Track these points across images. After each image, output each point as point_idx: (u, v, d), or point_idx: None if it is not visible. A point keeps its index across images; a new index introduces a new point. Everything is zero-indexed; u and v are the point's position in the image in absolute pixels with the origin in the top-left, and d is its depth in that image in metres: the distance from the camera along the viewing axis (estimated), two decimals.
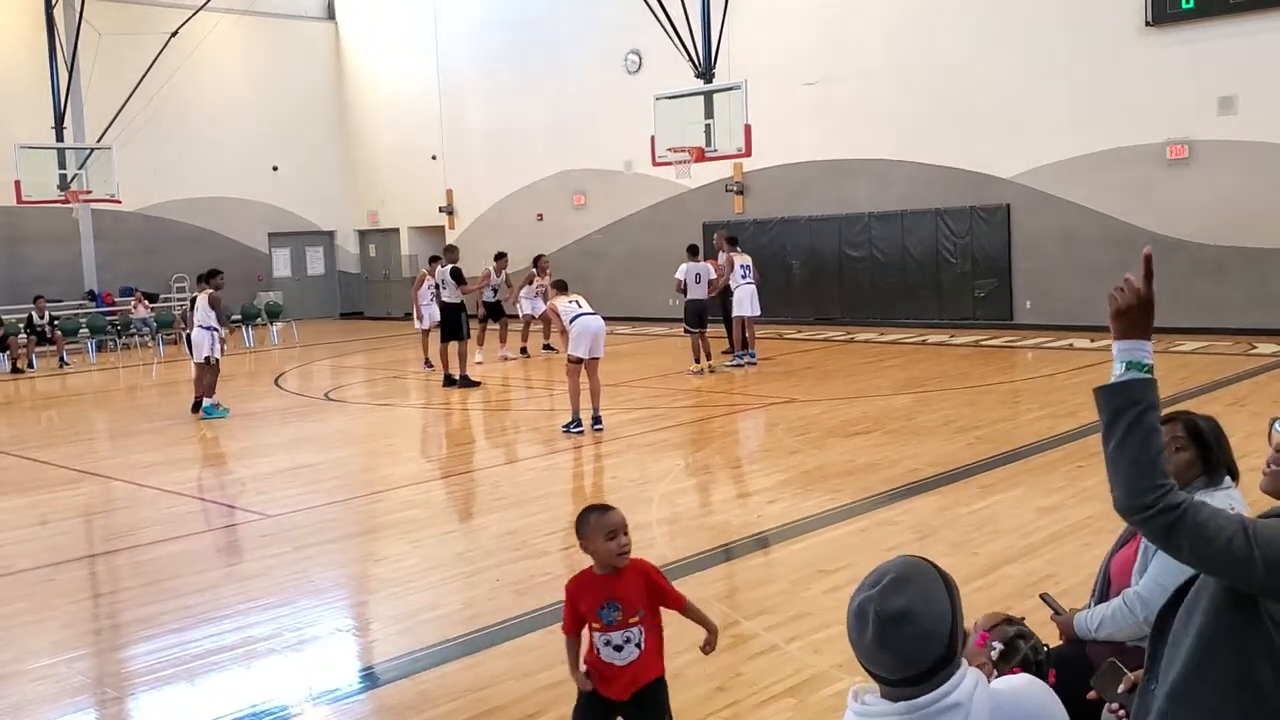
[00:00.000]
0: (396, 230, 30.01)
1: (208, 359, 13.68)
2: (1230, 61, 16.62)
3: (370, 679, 5.46)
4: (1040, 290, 18.97)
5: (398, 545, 7.74)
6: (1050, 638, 3.72)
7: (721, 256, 16.36)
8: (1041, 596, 3.81)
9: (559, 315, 11.48)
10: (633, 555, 3.84)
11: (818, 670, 5.05)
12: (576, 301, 11.58)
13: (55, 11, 23.08)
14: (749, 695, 4.77)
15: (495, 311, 18.59)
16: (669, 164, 17.27)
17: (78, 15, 22.73)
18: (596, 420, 11.49)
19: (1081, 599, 3.82)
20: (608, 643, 3.78)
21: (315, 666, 5.62)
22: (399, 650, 5.70)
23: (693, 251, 16.69)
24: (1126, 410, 2.19)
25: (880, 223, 20.68)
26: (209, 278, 14.27)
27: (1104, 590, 3.56)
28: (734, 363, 16.01)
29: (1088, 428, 10.45)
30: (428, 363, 17.68)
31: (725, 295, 16.29)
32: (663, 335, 21.04)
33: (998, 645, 3.21)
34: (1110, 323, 2.28)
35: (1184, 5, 16.90)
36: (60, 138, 22.96)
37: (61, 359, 21.21)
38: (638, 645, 3.77)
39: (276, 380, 17.58)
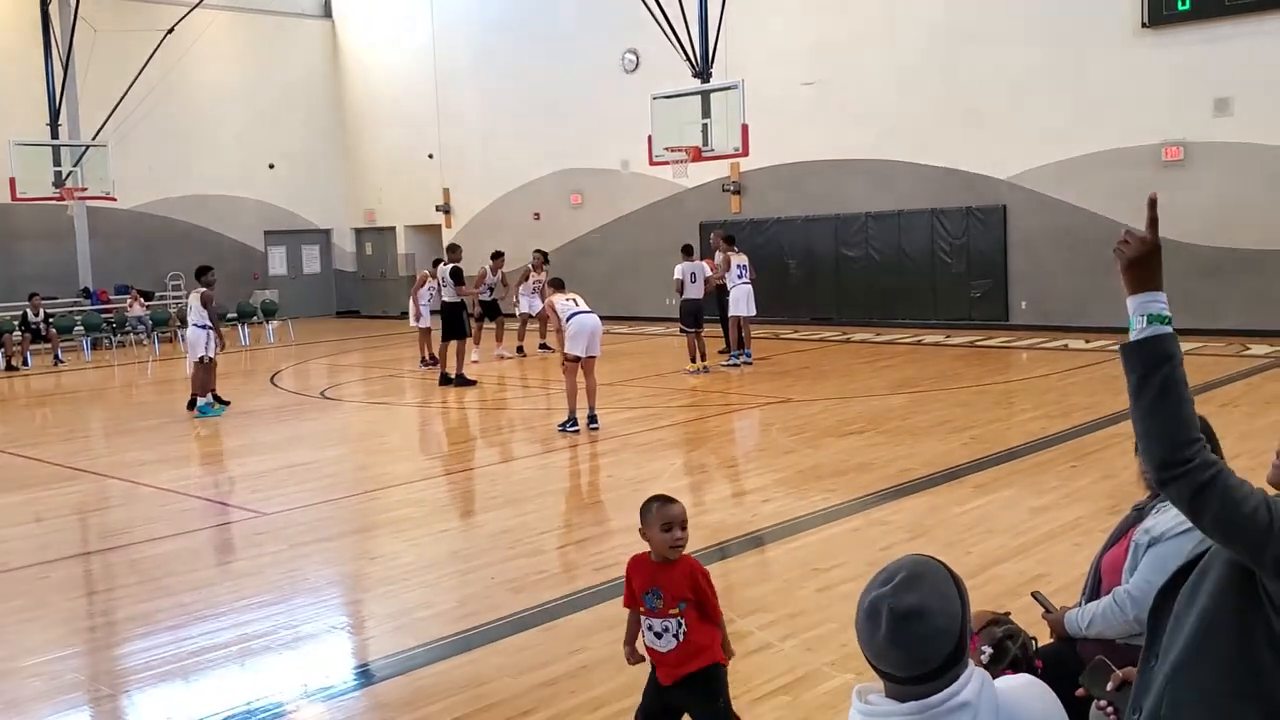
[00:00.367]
0: (393, 229, 30.00)
1: (201, 358, 13.68)
2: (1226, 63, 16.66)
3: (365, 676, 5.47)
4: (1036, 291, 19.01)
5: (392, 543, 7.75)
6: (1041, 636, 3.74)
7: (718, 256, 16.38)
8: (1033, 595, 3.83)
9: (556, 312, 11.50)
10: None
11: (811, 668, 5.07)
12: (574, 300, 11.59)
13: (51, 8, 23.08)
14: (743, 693, 4.78)
15: (492, 310, 18.60)
16: (666, 163, 17.28)
17: (73, 12, 22.72)
18: (592, 419, 11.50)
19: (1073, 598, 3.84)
20: (650, 628, 3.92)
21: (310, 664, 5.63)
22: (394, 648, 5.71)
23: (687, 251, 16.72)
24: (1158, 366, 2.15)
25: (876, 223, 20.70)
26: (199, 275, 14.28)
27: (1094, 589, 3.58)
28: (730, 362, 16.03)
29: (1081, 428, 10.49)
30: (424, 361, 17.70)
31: (721, 295, 16.31)
32: (659, 335, 21.06)
33: (987, 649, 3.23)
34: (1122, 277, 2.22)
35: (1180, 7, 16.93)
36: (55, 135, 22.96)
37: (56, 356, 21.20)
38: (675, 636, 3.86)
39: (272, 378, 17.58)
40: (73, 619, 6.47)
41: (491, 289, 18.54)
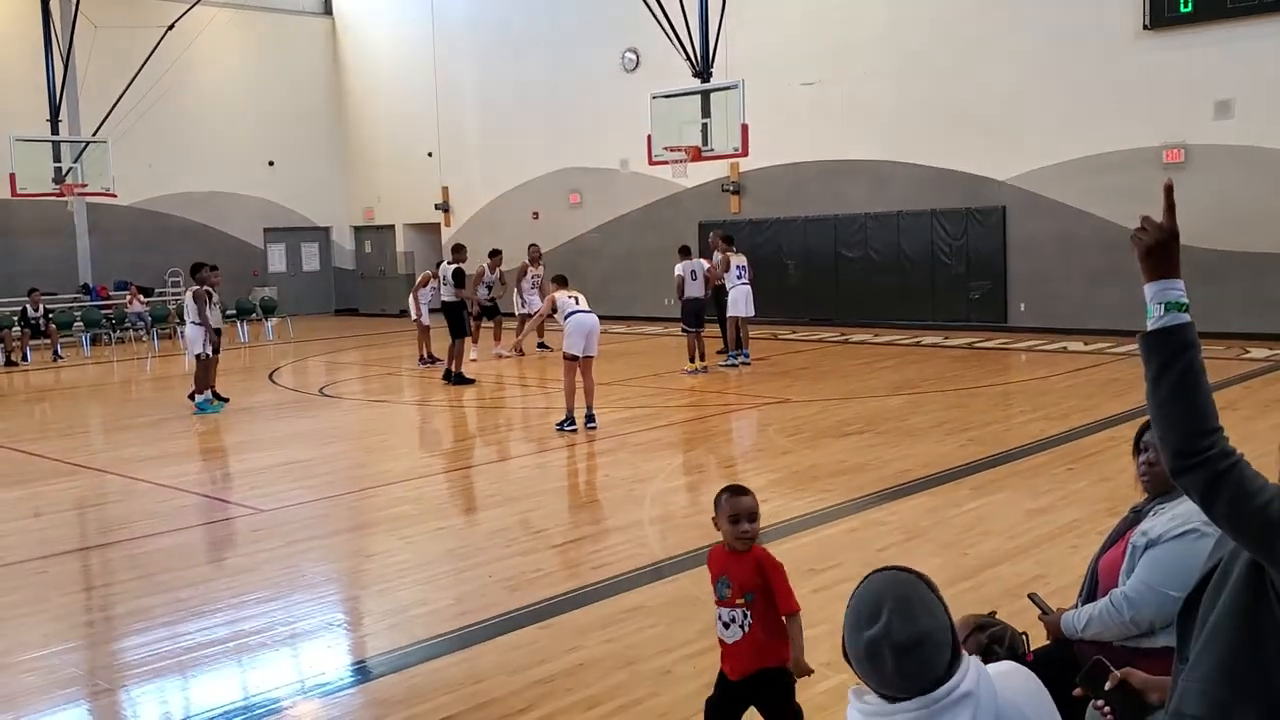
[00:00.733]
0: (392, 227, 29.99)
1: (199, 355, 13.69)
2: (1227, 65, 16.67)
3: (361, 673, 5.47)
4: (1035, 293, 19.02)
5: (389, 541, 7.74)
6: (1038, 638, 3.75)
7: (717, 256, 16.37)
8: (1030, 597, 3.83)
9: (556, 307, 11.50)
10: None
11: None
12: (575, 298, 11.59)
13: (51, 4, 23.06)
14: None
15: (491, 310, 18.60)
16: (665, 163, 17.28)
17: (74, 8, 22.71)
18: (590, 419, 11.50)
19: (1069, 599, 3.84)
20: (719, 617, 3.95)
21: (306, 660, 5.64)
22: (390, 645, 5.72)
23: (684, 252, 16.72)
24: (1177, 355, 2.12)
25: (876, 224, 20.71)
26: (193, 273, 14.29)
27: (1091, 590, 3.58)
28: (728, 363, 16.03)
29: (1079, 430, 10.50)
30: (422, 359, 17.71)
31: (720, 295, 16.32)
32: (657, 334, 21.06)
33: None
34: (1140, 265, 2.21)
35: (1182, 9, 16.94)
36: (56, 131, 22.94)
37: (55, 352, 21.21)
38: (741, 627, 3.89)
39: (271, 375, 17.58)
40: (70, 614, 6.48)
41: (490, 287, 18.54)
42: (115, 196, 23.20)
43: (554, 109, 25.25)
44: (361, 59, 29.89)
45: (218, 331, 14.37)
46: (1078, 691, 2.75)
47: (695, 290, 15.74)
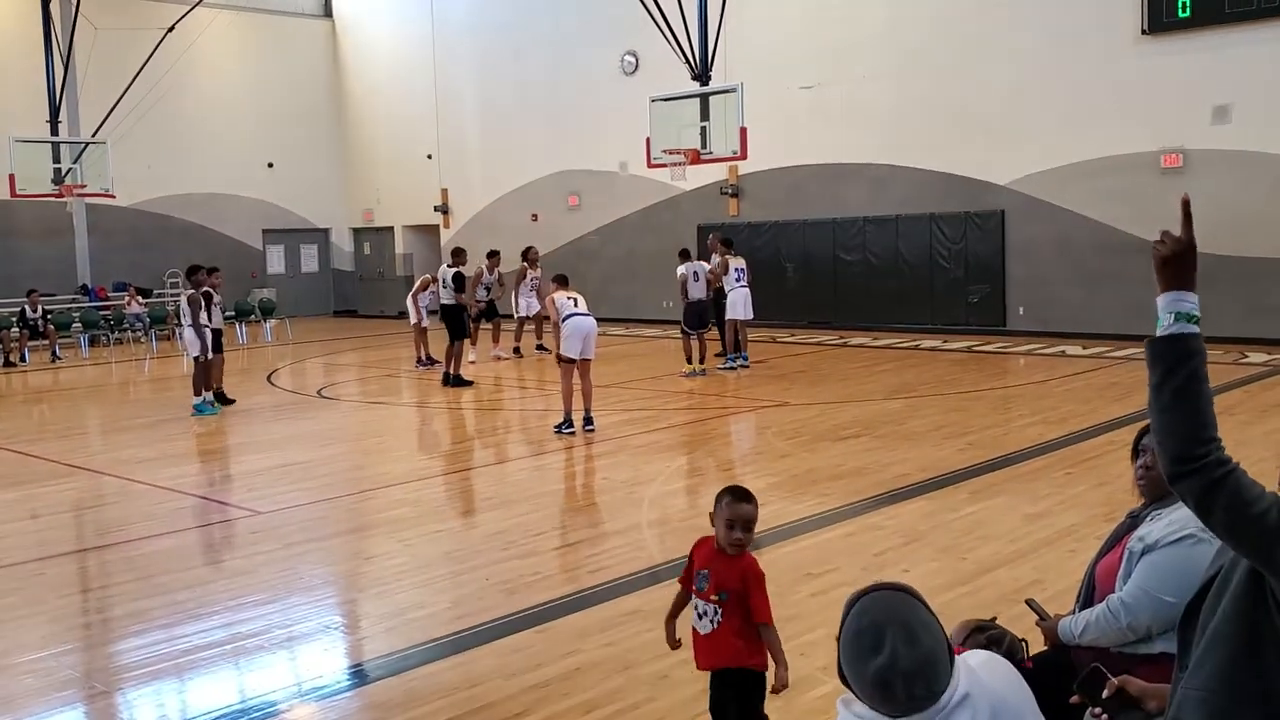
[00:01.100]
0: (391, 229, 30.00)
1: (197, 358, 13.69)
2: (1225, 71, 16.68)
3: (358, 676, 5.47)
4: (1033, 297, 19.02)
5: (387, 544, 7.74)
6: (1035, 643, 3.74)
7: (715, 258, 16.37)
8: (1027, 602, 3.83)
9: (555, 308, 11.50)
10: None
11: (804, 673, 5.06)
12: (574, 299, 11.57)
13: (51, 6, 23.06)
14: None
15: (489, 311, 18.59)
16: (664, 166, 17.29)
17: (74, 9, 22.71)
18: (588, 421, 11.50)
19: (1067, 605, 3.84)
20: (695, 606, 4.03)
21: (303, 663, 5.63)
22: (387, 648, 5.71)
23: (684, 255, 16.71)
24: (1181, 364, 2.16)
25: (875, 227, 20.71)
26: (189, 275, 14.29)
27: (1088, 596, 3.58)
28: (726, 365, 16.04)
29: (1077, 435, 10.50)
30: (420, 361, 17.70)
31: (719, 298, 16.32)
32: (656, 337, 21.06)
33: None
34: (1156, 275, 2.24)
35: (1180, 14, 16.95)
36: (55, 132, 22.94)
37: (54, 353, 21.20)
38: (713, 622, 3.94)
39: (269, 377, 17.57)
40: (68, 616, 6.47)
41: (489, 289, 18.53)
42: (114, 197, 23.21)
43: (553, 111, 25.27)
44: (361, 61, 29.90)
45: (219, 331, 14.39)
46: (1075, 699, 2.75)
47: (698, 292, 15.74)
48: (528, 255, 19.34)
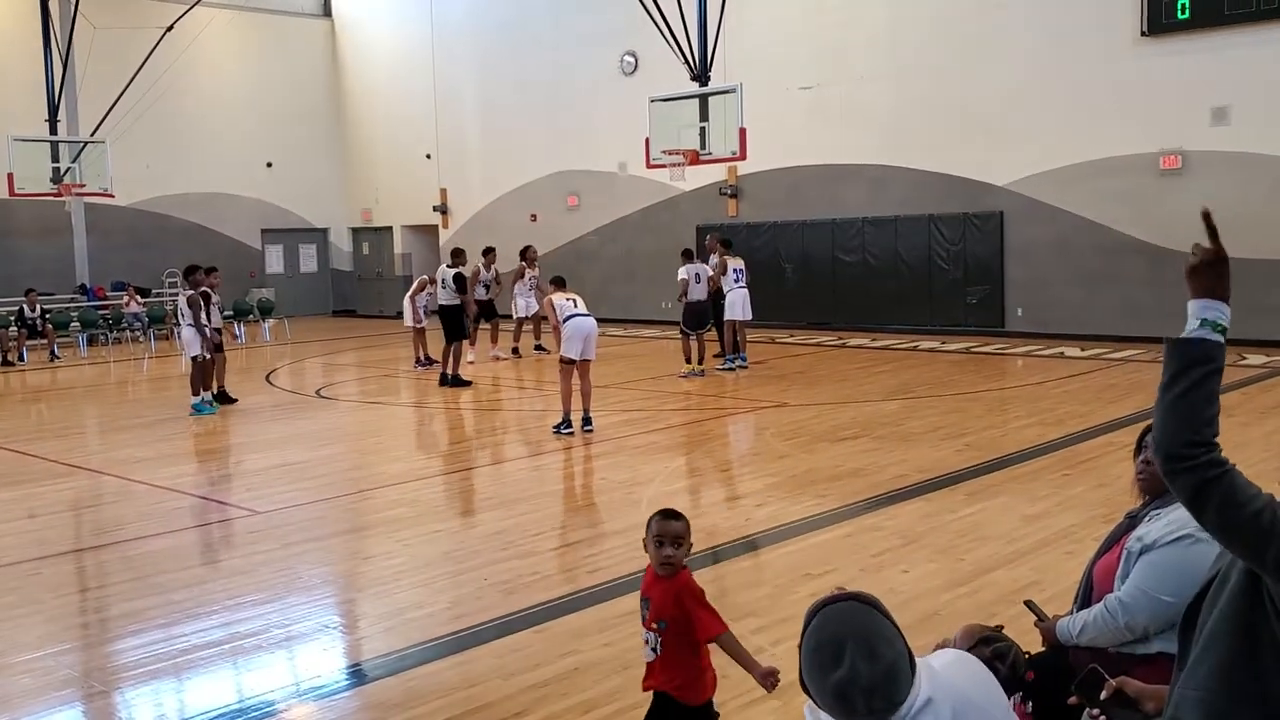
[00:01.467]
0: (390, 229, 29.99)
1: (195, 358, 13.69)
2: (1224, 72, 16.69)
3: (357, 676, 5.47)
4: (1032, 298, 19.03)
5: (385, 543, 7.74)
6: (1033, 644, 3.75)
7: (713, 259, 16.37)
8: (1026, 603, 3.83)
9: (554, 310, 11.50)
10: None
11: None
12: (573, 300, 11.57)
13: (50, 4, 23.05)
14: (733, 697, 4.78)
15: (488, 312, 18.58)
16: (663, 166, 17.28)
17: (73, 8, 22.70)
18: (587, 421, 11.50)
19: (1065, 606, 3.85)
20: (642, 632, 3.96)
21: (302, 663, 5.63)
22: (385, 648, 5.71)
23: (687, 255, 16.72)
24: (1197, 366, 2.17)
25: (874, 228, 20.72)
26: (186, 275, 14.28)
27: (1087, 596, 3.59)
28: (725, 366, 16.04)
29: (1075, 436, 10.51)
30: (419, 361, 17.70)
31: (717, 299, 16.32)
32: (655, 337, 21.06)
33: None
34: (1186, 283, 2.26)
35: (1179, 16, 16.96)
36: (54, 131, 22.92)
37: (52, 352, 21.19)
38: (654, 649, 3.87)
39: (268, 377, 17.57)
40: (65, 616, 6.47)
41: (488, 286, 18.53)
42: (113, 197, 23.19)
43: (552, 111, 25.27)
44: (360, 61, 29.90)
45: (218, 331, 14.39)
46: (1073, 700, 2.76)
47: (698, 293, 15.74)
48: (526, 254, 19.36)
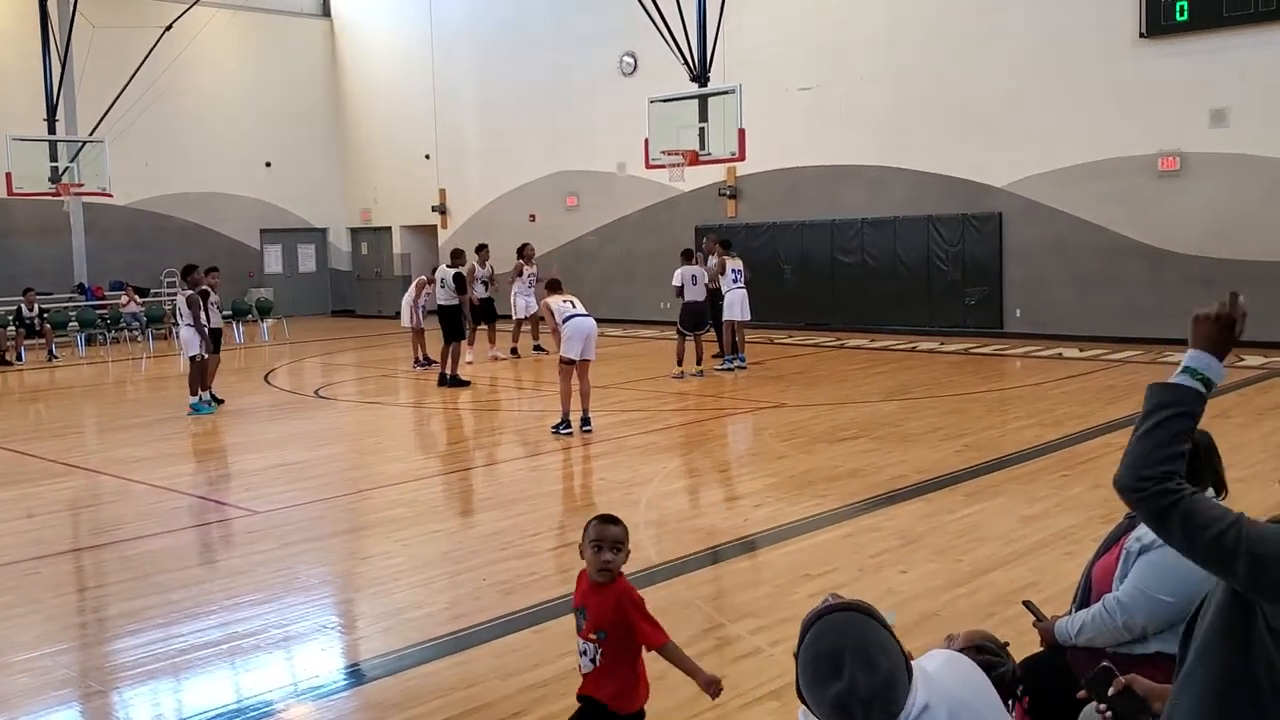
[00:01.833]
0: (389, 229, 29.99)
1: (193, 357, 13.68)
2: (1223, 74, 16.71)
3: (355, 676, 5.46)
4: (1030, 299, 19.04)
5: (384, 543, 7.74)
6: (1032, 644, 3.75)
7: (712, 260, 16.37)
8: (1024, 603, 3.84)
9: (552, 314, 11.50)
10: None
11: None
12: (570, 302, 11.58)
13: (49, 4, 23.03)
14: (733, 698, 4.79)
15: (488, 312, 18.56)
16: (662, 167, 17.27)
17: (72, 7, 22.68)
18: (585, 422, 11.50)
19: (1063, 606, 3.85)
20: (578, 643, 3.85)
21: (300, 663, 5.62)
22: (384, 648, 5.71)
23: (687, 256, 16.72)
24: (1168, 407, 2.26)
25: (872, 229, 20.73)
26: (184, 275, 14.28)
27: (1085, 597, 3.59)
28: (724, 367, 16.04)
29: (1073, 437, 10.51)
30: (417, 361, 17.70)
31: (716, 299, 16.32)
32: (654, 338, 21.06)
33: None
34: (1191, 326, 2.36)
35: (1178, 17, 16.98)
36: (52, 130, 22.90)
37: (50, 352, 21.18)
38: (592, 661, 3.77)
39: (266, 377, 17.56)
40: (63, 615, 6.46)
41: (486, 284, 18.52)
42: (111, 196, 23.18)
43: (552, 112, 25.27)
44: (359, 61, 29.89)
45: (218, 331, 14.38)
46: (1082, 694, 2.76)
47: (695, 294, 15.73)
48: (523, 252, 19.35)
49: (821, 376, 15.55)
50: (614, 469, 9.99)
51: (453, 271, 16.27)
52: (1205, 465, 3.42)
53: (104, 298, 25.07)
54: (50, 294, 23.90)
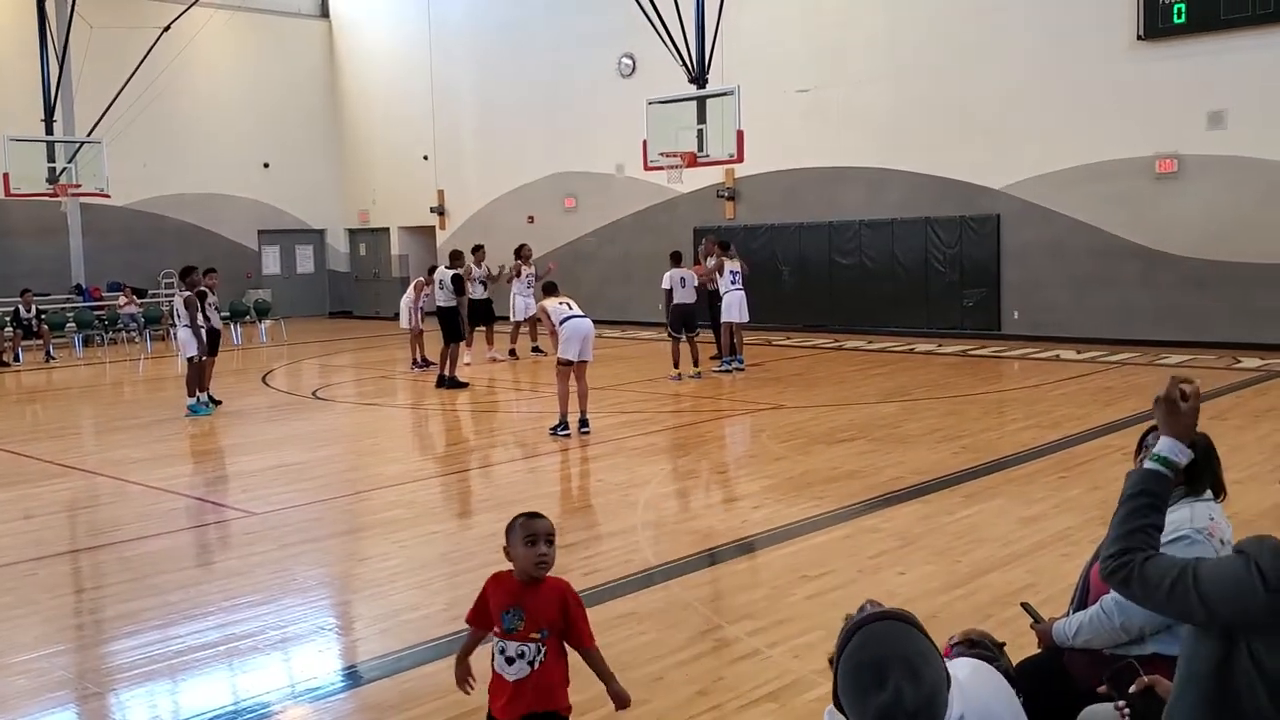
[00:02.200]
0: (387, 230, 29.99)
1: (191, 359, 13.67)
2: (1221, 76, 16.72)
3: (353, 678, 5.46)
4: (1028, 301, 19.05)
5: (382, 545, 7.73)
6: (1029, 645, 3.75)
7: (710, 261, 16.36)
8: (1022, 605, 3.84)
9: (549, 316, 11.50)
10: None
11: (799, 675, 5.07)
12: (567, 304, 11.59)
13: (47, 4, 23.03)
14: (731, 699, 4.79)
15: (487, 314, 18.55)
16: (661, 168, 17.28)
17: (70, 7, 22.67)
18: (584, 423, 11.50)
19: (1061, 608, 3.85)
20: (502, 651, 3.65)
21: (298, 665, 5.62)
22: (382, 649, 5.70)
23: (675, 258, 16.71)
24: (1138, 496, 2.62)
25: (871, 231, 20.74)
26: (183, 277, 14.27)
27: (1083, 599, 3.59)
28: (722, 368, 16.04)
29: (1071, 439, 10.51)
30: (415, 363, 17.69)
31: (714, 301, 16.32)
32: (652, 339, 21.05)
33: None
34: (1159, 413, 2.70)
35: (1176, 20, 16.99)
36: (50, 131, 22.89)
37: (48, 353, 21.16)
38: (530, 663, 3.61)
39: (264, 378, 17.55)
40: (61, 617, 6.45)
41: (484, 284, 18.52)
42: (109, 197, 23.17)
43: (550, 113, 25.27)
44: (358, 62, 29.89)
45: (216, 332, 14.37)
46: (1102, 688, 2.78)
47: (684, 296, 15.71)
48: (520, 252, 19.35)
49: (819, 378, 15.55)
50: (612, 470, 9.98)
51: (451, 273, 16.27)
52: (1204, 468, 3.42)
53: (101, 299, 25.06)
54: (48, 295, 23.89)
